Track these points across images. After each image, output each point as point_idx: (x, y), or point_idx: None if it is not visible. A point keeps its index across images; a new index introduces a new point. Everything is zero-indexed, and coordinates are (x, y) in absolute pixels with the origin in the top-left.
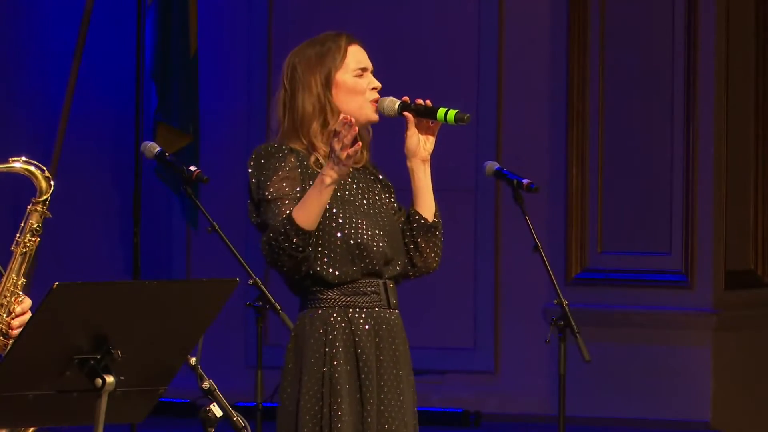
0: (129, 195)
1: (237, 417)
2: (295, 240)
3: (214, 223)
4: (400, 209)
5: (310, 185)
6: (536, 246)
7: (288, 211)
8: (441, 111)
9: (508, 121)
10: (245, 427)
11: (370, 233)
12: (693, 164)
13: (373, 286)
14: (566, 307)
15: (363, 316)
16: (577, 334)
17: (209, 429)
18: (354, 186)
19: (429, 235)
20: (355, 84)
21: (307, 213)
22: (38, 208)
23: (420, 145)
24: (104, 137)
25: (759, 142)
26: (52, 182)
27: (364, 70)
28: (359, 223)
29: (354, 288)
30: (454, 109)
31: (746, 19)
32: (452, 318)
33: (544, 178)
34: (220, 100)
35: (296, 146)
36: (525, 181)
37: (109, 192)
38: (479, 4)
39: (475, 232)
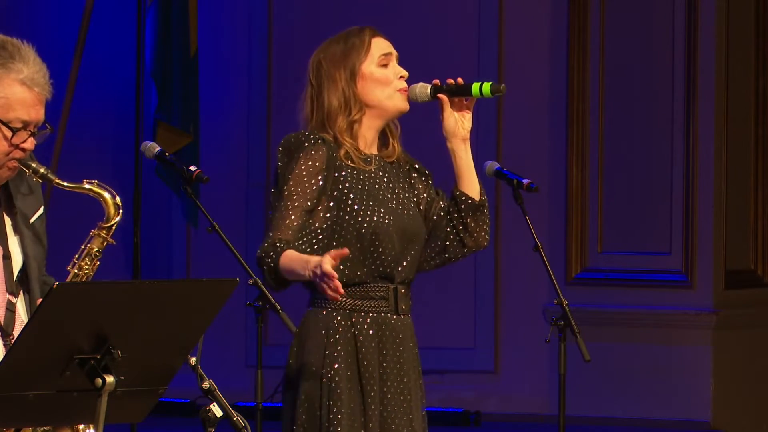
0: (129, 195)
1: (237, 417)
2: (273, 282)
3: (215, 223)
4: (437, 194)
5: (335, 177)
6: (536, 246)
7: (279, 246)
8: (475, 86)
9: (508, 121)
10: (245, 427)
11: (391, 228)
12: (693, 164)
13: (382, 291)
14: (566, 307)
15: (368, 321)
16: (577, 334)
17: (209, 429)
18: (385, 180)
19: (478, 213)
20: (382, 74)
21: (289, 273)
22: (102, 234)
23: (458, 124)
24: (104, 137)
25: (759, 142)
26: (121, 210)
27: (388, 56)
28: (381, 219)
29: (362, 291)
30: (488, 81)
31: (746, 19)
32: (452, 318)
33: (544, 178)
34: (220, 100)
35: (327, 137)
36: (525, 181)
37: None
38: (479, 4)
39: None
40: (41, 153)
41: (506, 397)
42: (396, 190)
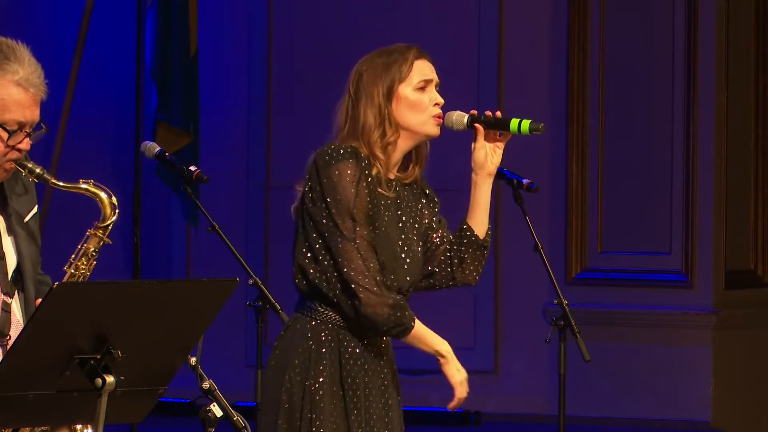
0: (129, 195)
1: (237, 417)
2: (395, 335)
3: (215, 223)
4: (440, 221)
5: (368, 202)
6: (536, 246)
7: (410, 316)
8: (514, 122)
9: None
10: (245, 427)
11: (397, 266)
12: (693, 164)
13: None
14: (566, 307)
15: (355, 339)
16: (577, 334)
17: (209, 429)
18: (397, 209)
19: (478, 252)
20: (417, 99)
21: (416, 340)
22: (98, 234)
23: (488, 158)
24: (104, 137)
25: (759, 142)
26: (117, 210)
27: (427, 82)
28: (391, 255)
29: None
30: (527, 119)
31: (746, 19)
32: (452, 318)
33: (544, 178)
34: (220, 100)
35: (360, 150)
36: (525, 181)
37: None
38: (479, 4)
39: None
40: (41, 153)
41: (506, 397)
42: (404, 218)
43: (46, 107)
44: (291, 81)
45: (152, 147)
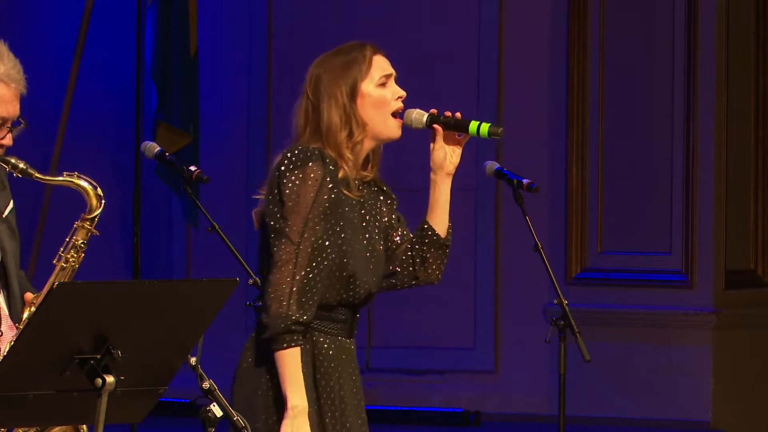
0: (129, 195)
1: (237, 417)
2: (276, 339)
3: (215, 223)
4: (398, 220)
5: (333, 201)
6: (536, 246)
7: (292, 340)
8: (473, 124)
9: (508, 120)
10: (245, 427)
11: (368, 267)
12: (693, 164)
13: (343, 315)
14: (566, 307)
15: (327, 341)
16: (577, 334)
17: (209, 429)
18: (362, 209)
19: (440, 252)
20: (380, 96)
21: (282, 369)
22: (86, 225)
23: (447, 158)
24: (104, 137)
25: (759, 142)
26: (103, 201)
27: (388, 77)
28: (361, 255)
29: (326, 313)
30: (487, 122)
31: (746, 19)
32: (452, 318)
33: (544, 178)
34: (220, 100)
35: (326, 151)
36: (525, 181)
37: (109, 192)
38: (479, 4)
39: (475, 233)
40: (41, 153)
41: (506, 397)
42: (368, 217)
43: (46, 107)
44: (291, 81)
45: (152, 147)
